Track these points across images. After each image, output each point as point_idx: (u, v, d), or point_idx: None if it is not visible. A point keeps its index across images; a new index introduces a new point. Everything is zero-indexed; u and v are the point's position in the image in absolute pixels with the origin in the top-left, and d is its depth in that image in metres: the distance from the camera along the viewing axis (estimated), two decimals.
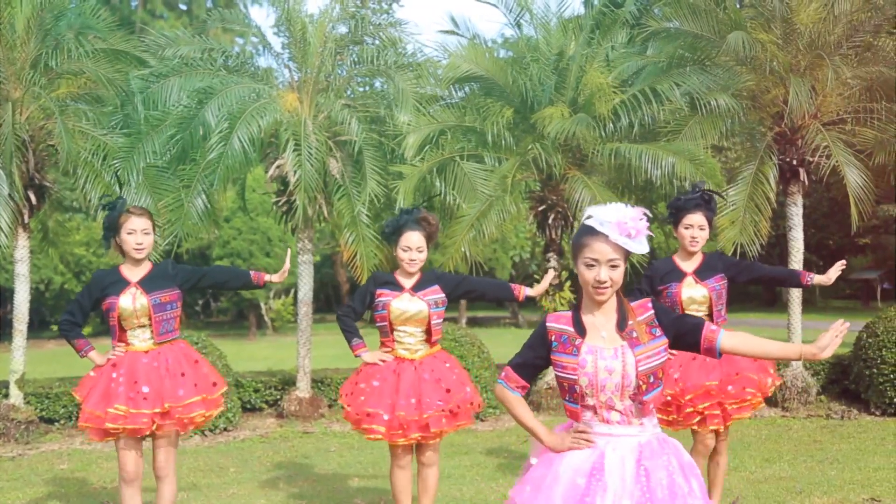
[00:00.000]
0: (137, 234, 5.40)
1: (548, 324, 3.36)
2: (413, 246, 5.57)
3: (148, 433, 5.42)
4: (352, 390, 5.68)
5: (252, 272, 5.89)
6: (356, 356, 5.72)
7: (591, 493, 3.17)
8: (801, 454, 8.39)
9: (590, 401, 3.27)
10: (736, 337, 3.30)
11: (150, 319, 5.42)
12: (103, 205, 5.61)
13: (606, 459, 3.22)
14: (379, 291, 5.62)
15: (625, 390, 3.24)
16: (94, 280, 5.50)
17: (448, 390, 5.53)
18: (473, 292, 5.95)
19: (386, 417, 5.46)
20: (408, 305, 5.58)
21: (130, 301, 5.37)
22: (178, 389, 5.40)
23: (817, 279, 5.86)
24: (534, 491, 3.32)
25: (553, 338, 3.33)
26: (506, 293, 5.87)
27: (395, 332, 5.60)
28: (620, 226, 3.20)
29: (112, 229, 5.43)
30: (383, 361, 5.60)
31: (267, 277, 5.90)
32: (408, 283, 5.63)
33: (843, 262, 5.92)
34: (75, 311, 5.52)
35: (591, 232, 3.24)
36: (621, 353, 3.24)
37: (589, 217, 3.26)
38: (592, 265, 3.23)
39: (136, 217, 5.41)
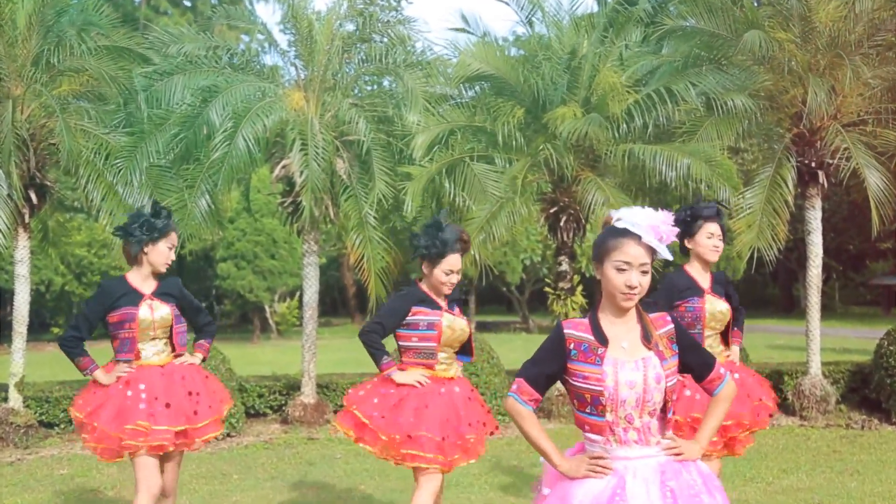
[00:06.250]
0: (172, 250, 5.38)
1: (566, 331, 3.20)
2: (455, 269, 5.29)
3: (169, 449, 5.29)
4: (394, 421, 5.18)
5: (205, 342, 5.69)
6: (385, 375, 5.24)
7: None
8: (819, 465, 8.35)
9: (609, 416, 3.12)
10: (729, 394, 3.35)
11: (170, 331, 5.38)
12: (155, 209, 5.40)
13: (628, 486, 3.07)
14: (415, 310, 5.24)
15: (645, 405, 3.12)
16: (104, 292, 5.32)
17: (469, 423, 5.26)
18: None
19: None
20: (453, 323, 5.31)
21: (149, 312, 5.28)
22: (195, 410, 5.32)
23: (733, 352, 5.74)
24: None
25: (572, 346, 3.17)
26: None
27: (439, 353, 5.28)
28: (654, 229, 3.14)
29: (152, 235, 5.29)
30: (420, 384, 5.19)
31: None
32: (441, 301, 5.33)
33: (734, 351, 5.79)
34: (82, 326, 5.29)
35: (622, 234, 3.14)
36: (643, 366, 3.13)
37: (619, 219, 3.18)
38: (624, 269, 3.12)
39: (174, 233, 5.40)
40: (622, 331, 3.19)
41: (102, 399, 5.25)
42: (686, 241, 5.57)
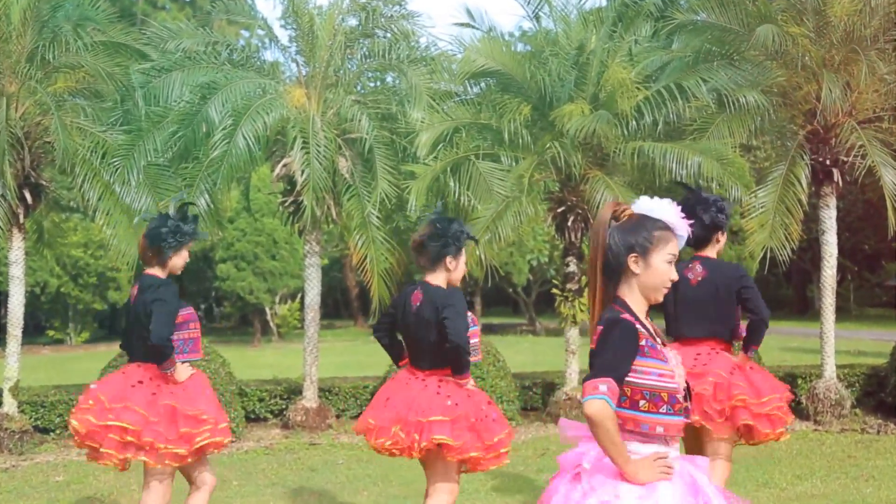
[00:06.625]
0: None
1: (637, 325, 3.02)
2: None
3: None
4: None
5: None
6: (463, 381, 5.12)
7: None
8: (834, 470, 8.33)
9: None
10: None
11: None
12: (182, 212, 5.42)
13: (702, 482, 3.00)
14: None
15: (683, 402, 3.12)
16: (175, 290, 5.23)
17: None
18: None
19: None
20: None
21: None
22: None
23: None
24: None
25: (644, 341, 3.01)
26: None
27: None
28: (685, 222, 3.14)
29: (184, 240, 5.30)
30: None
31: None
32: None
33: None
34: (173, 324, 5.11)
35: (664, 226, 3.08)
36: (680, 362, 3.12)
37: (652, 209, 3.12)
38: (671, 262, 3.08)
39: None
40: (650, 327, 3.14)
41: (207, 399, 5.21)
42: (721, 234, 5.63)
